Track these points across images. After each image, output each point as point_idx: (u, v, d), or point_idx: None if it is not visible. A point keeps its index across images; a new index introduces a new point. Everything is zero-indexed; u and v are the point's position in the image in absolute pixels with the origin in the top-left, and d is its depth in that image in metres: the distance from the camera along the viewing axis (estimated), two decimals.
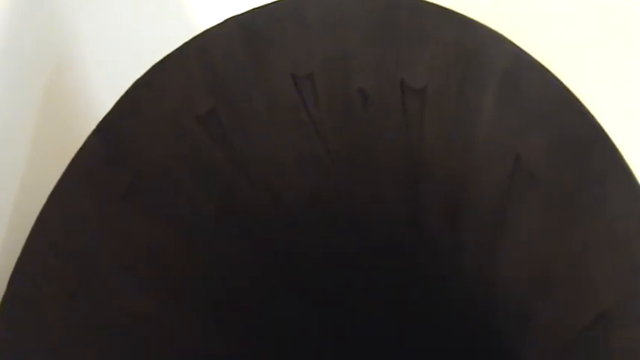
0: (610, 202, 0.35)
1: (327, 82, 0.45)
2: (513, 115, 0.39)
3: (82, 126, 0.51)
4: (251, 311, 0.52)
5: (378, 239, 0.48)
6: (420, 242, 0.46)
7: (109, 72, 0.59)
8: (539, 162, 0.38)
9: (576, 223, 0.36)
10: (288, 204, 0.48)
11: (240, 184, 0.48)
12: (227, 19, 0.46)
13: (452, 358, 0.51)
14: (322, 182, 0.47)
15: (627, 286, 0.34)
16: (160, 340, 0.50)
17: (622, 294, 0.34)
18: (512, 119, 0.39)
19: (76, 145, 0.48)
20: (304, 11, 0.44)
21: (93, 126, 0.48)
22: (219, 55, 0.46)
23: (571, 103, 0.37)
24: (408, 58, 0.42)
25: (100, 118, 0.48)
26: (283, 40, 0.45)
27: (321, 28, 0.44)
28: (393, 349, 0.54)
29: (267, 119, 0.46)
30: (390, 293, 0.51)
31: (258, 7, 0.46)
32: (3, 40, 0.51)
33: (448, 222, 0.44)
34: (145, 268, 0.49)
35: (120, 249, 0.48)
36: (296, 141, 0.46)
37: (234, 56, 0.46)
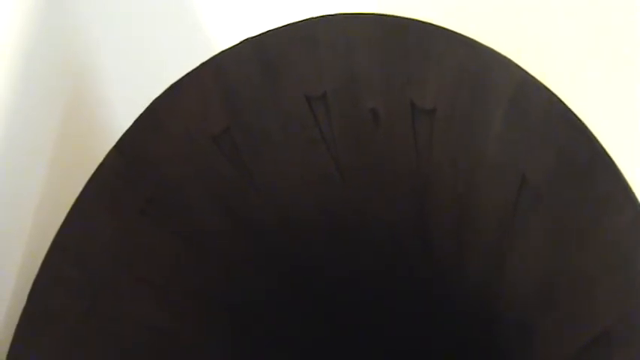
0: (612, 222, 0.36)
1: (340, 102, 0.45)
2: (519, 136, 0.39)
3: (102, 143, 0.52)
4: (263, 323, 0.53)
5: (385, 256, 0.49)
6: (426, 259, 0.47)
7: (127, 91, 0.60)
8: (544, 182, 0.38)
9: (579, 242, 0.37)
10: (299, 220, 0.49)
11: (252, 201, 0.49)
12: (242, 41, 0.47)
13: None
14: (333, 200, 0.48)
15: (629, 304, 0.35)
16: (175, 353, 0.50)
17: (624, 312, 0.35)
18: (518, 141, 0.39)
19: (95, 161, 0.49)
20: (316, 33, 0.45)
21: (112, 143, 0.49)
22: (234, 76, 0.47)
23: (575, 125, 0.38)
24: (417, 80, 0.43)
25: (119, 136, 0.49)
26: (296, 61, 0.46)
27: (333, 50, 0.45)
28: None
29: (280, 138, 0.47)
30: (397, 307, 0.52)
31: (271, 30, 0.47)
32: (24, 60, 0.52)
33: (454, 240, 0.44)
34: (160, 282, 0.50)
35: (136, 264, 0.49)
36: (308, 160, 0.47)
37: (248, 77, 0.47)
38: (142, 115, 0.49)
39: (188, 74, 0.48)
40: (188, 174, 0.49)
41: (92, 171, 0.49)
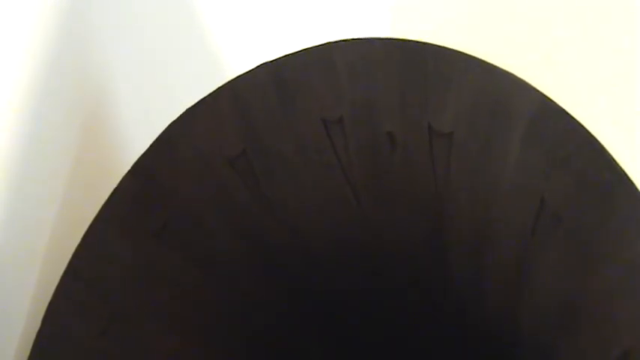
0: (632, 244, 0.36)
1: (356, 126, 0.46)
2: (538, 159, 0.39)
3: (117, 167, 0.52)
4: (278, 348, 0.52)
5: (402, 280, 0.49)
6: (443, 283, 0.47)
7: (143, 115, 0.61)
8: (563, 205, 0.38)
9: (599, 264, 0.37)
10: (315, 245, 0.49)
11: (268, 225, 0.49)
12: (258, 65, 0.47)
13: None
14: (349, 224, 0.48)
15: None
16: None
17: None
18: (537, 164, 0.40)
19: (110, 185, 0.49)
20: (333, 57, 0.45)
21: (128, 167, 0.49)
22: (250, 100, 0.47)
23: (595, 148, 0.38)
24: (434, 104, 0.43)
25: (134, 160, 0.49)
26: (313, 85, 0.46)
27: (350, 74, 0.45)
28: None
29: (297, 162, 0.47)
30: (413, 332, 0.52)
31: (288, 54, 0.47)
32: (40, 85, 0.52)
33: (473, 263, 0.44)
34: (174, 306, 0.50)
35: (149, 288, 0.49)
36: (324, 184, 0.47)
37: (265, 101, 0.47)
38: (157, 139, 0.49)
39: (204, 98, 0.48)
40: (203, 197, 0.49)
41: (107, 195, 0.50)
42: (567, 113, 0.39)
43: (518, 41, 0.77)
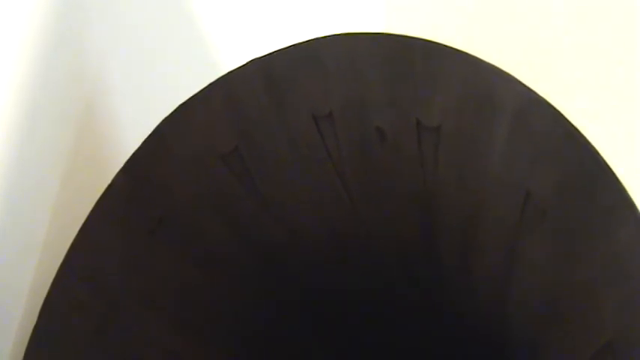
0: (616, 235, 0.36)
1: (346, 121, 0.46)
2: (523, 152, 0.40)
3: (110, 164, 0.53)
4: (275, 346, 0.53)
5: (394, 275, 0.49)
6: (434, 277, 0.47)
7: (136, 111, 0.61)
8: (548, 197, 0.39)
9: (584, 255, 0.37)
10: (309, 241, 0.49)
11: (262, 221, 0.49)
12: (249, 61, 0.48)
13: None
14: (341, 219, 0.48)
15: (633, 315, 0.35)
16: None
17: (628, 323, 0.35)
18: (522, 157, 0.40)
19: (104, 183, 0.50)
20: (322, 53, 0.46)
21: (120, 164, 0.50)
22: (242, 96, 0.47)
23: (578, 141, 0.38)
24: (422, 98, 0.43)
25: (128, 157, 0.50)
26: (303, 81, 0.46)
27: (339, 69, 0.45)
28: None
29: (288, 158, 0.47)
30: (406, 326, 0.52)
31: (278, 49, 0.47)
32: (34, 81, 0.52)
33: (461, 257, 0.44)
34: (171, 304, 0.50)
35: (146, 285, 0.49)
36: (316, 179, 0.47)
37: (256, 97, 0.47)
38: (149, 136, 0.49)
39: (196, 95, 0.49)
40: (197, 194, 0.49)
41: (101, 192, 0.50)
42: (552, 106, 0.39)
43: (514, 39, 0.77)
